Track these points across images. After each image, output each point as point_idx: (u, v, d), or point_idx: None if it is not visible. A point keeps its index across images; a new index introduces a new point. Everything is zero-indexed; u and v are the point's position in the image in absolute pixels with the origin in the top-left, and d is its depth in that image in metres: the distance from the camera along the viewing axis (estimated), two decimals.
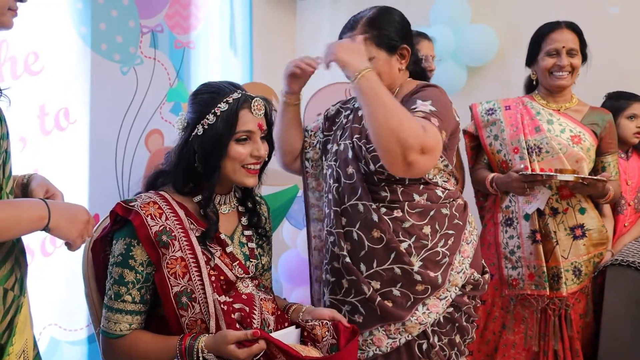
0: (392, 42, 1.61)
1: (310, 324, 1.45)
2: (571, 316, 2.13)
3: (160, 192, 1.44)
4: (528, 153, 2.16)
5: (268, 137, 1.50)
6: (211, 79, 1.73)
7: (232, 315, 1.36)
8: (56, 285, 2.11)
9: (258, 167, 1.46)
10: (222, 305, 1.35)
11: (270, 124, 1.50)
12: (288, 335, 1.38)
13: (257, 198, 1.61)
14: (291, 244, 2.83)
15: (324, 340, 1.41)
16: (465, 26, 2.88)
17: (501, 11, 2.91)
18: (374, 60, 1.58)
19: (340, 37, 1.67)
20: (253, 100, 1.43)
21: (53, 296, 2.11)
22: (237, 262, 1.45)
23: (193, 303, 1.34)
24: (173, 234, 1.37)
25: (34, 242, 2.03)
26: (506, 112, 2.25)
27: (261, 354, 1.27)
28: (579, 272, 2.14)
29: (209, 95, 1.44)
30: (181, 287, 1.34)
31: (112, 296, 1.37)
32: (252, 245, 1.51)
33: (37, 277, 2.02)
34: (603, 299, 2.15)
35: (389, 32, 1.61)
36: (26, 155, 2.00)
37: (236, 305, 1.38)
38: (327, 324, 1.44)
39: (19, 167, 1.95)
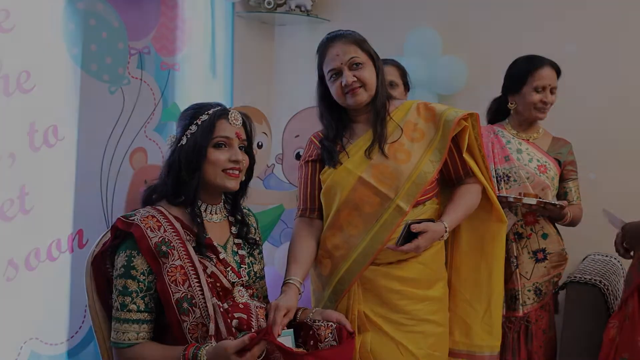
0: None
1: (317, 324, 1.55)
2: (533, 331, 2.27)
3: (157, 207, 1.53)
4: (497, 181, 2.30)
5: (248, 150, 1.61)
6: (194, 100, 1.84)
7: (231, 322, 1.45)
8: (38, 299, 2.13)
9: (237, 172, 1.56)
10: (220, 309, 1.44)
11: (250, 138, 1.62)
12: (285, 340, 1.46)
13: (245, 210, 1.72)
14: (268, 261, 2.90)
15: (325, 340, 1.51)
16: (436, 57, 3.05)
17: (470, 44, 3.09)
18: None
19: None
20: (230, 112, 1.56)
21: (35, 310, 2.13)
22: (230, 267, 1.54)
23: (194, 308, 1.42)
24: (172, 245, 1.46)
25: (18, 256, 2.07)
26: None
27: (263, 354, 1.37)
28: (539, 292, 2.29)
29: (193, 110, 1.57)
30: (182, 294, 1.43)
31: (119, 307, 1.44)
32: (243, 252, 1.61)
33: (20, 291, 2.05)
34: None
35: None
36: (15, 170, 2.05)
37: (235, 315, 1.47)
38: (331, 325, 1.53)
39: (6, 182, 2.00)
